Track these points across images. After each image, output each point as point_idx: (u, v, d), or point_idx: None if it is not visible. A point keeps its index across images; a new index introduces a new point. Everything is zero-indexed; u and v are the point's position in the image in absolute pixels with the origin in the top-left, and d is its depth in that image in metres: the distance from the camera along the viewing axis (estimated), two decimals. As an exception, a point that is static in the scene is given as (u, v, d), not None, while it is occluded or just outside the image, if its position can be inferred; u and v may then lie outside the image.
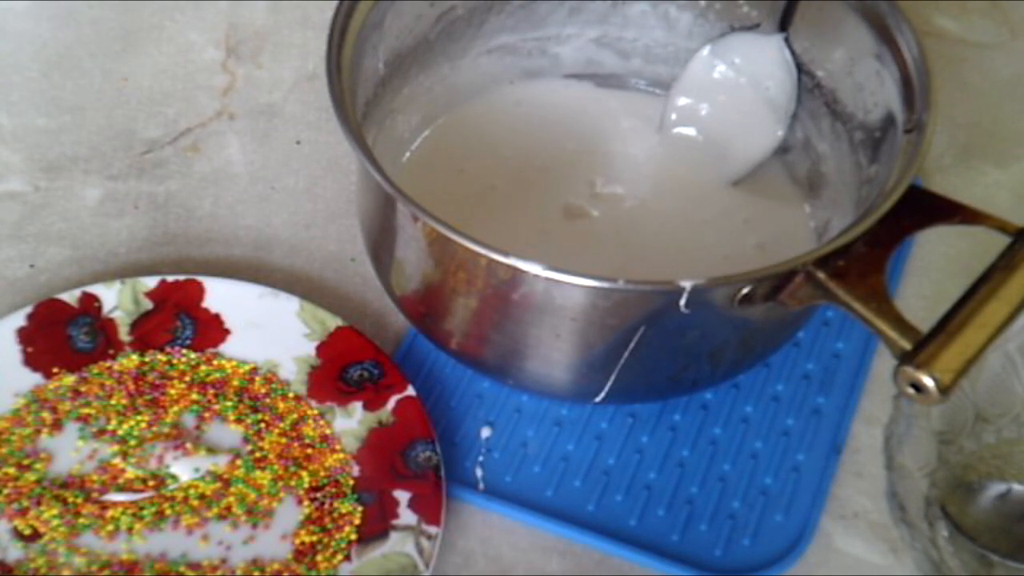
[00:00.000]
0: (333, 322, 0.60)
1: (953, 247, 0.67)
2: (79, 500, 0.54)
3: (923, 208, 0.51)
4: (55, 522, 0.53)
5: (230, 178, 0.69)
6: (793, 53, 0.63)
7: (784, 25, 0.62)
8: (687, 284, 0.46)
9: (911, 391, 0.45)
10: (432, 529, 0.53)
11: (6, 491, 0.54)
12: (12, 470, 0.55)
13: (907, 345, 0.46)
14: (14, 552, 0.53)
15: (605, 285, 0.47)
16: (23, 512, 0.53)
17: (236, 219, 0.67)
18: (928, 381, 0.44)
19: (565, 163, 0.66)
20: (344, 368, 0.59)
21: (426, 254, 0.52)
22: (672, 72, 0.67)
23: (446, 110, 0.67)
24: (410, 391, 0.57)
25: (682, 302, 0.47)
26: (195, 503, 0.54)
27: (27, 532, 0.53)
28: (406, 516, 0.53)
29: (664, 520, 0.56)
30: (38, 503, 0.54)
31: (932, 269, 0.66)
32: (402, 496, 0.54)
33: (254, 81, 0.74)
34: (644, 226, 0.64)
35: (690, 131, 0.67)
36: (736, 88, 0.65)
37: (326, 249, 0.66)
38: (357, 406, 0.58)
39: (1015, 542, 0.53)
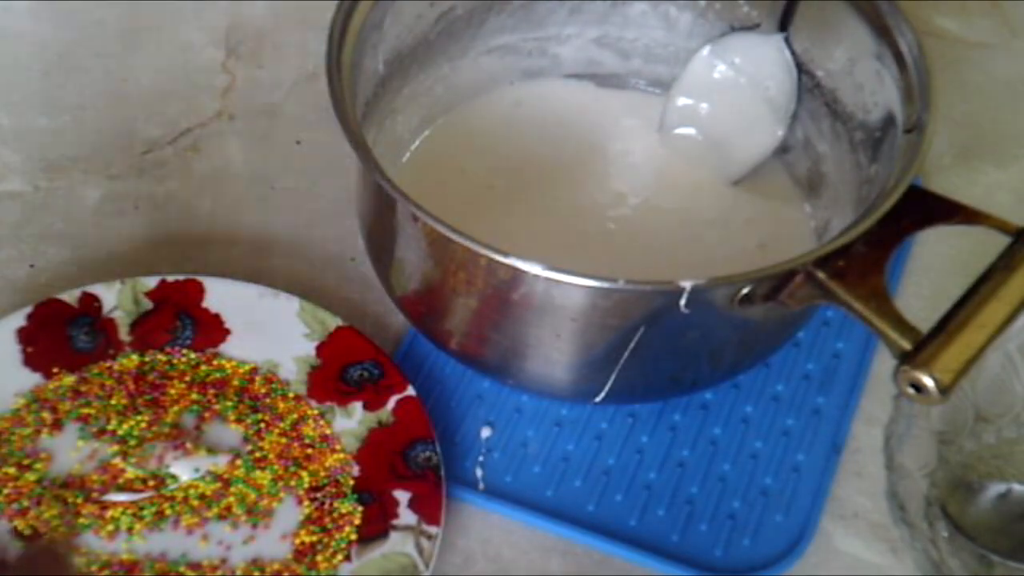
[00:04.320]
0: (333, 322, 0.60)
1: (953, 247, 0.67)
2: (79, 500, 0.54)
3: (923, 208, 0.51)
4: (55, 522, 0.53)
5: (230, 178, 0.69)
6: (793, 53, 0.63)
7: (784, 25, 0.62)
8: (687, 284, 0.46)
9: (911, 391, 0.45)
10: (432, 529, 0.53)
11: (6, 491, 0.54)
12: (12, 470, 0.55)
13: (907, 345, 0.46)
14: (14, 552, 0.52)
15: (605, 285, 0.47)
16: (23, 512, 0.53)
17: (236, 219, 0.67)
18: (928, 381, 0.44)
19: (565, 163, 0.66)
20: (344, 368, 0.59)
21: (426, 254, 0.52)
22: (672, 72, 0.67)
23: (446, 110, 0.67)
24: (410, 391, 0.57)
25: (682, 302, 0.47)
26: (195, 503, 0.54)
27: (27, 532, 0.53)
28: (406, 516, 0.53)
29: (664, 520, 0.56)
30: (38, 503, 0.54)
31: (932, 269, 0.66)
32: (402, 496, 0.54)
33: (254, 81, 0.74)
34: (644, 226, 0.64)
35: (690, 131, 0.67)
36: (736, 88, 0.65)
37: (326, 249, 0.66)
38: (357, 406, 0.58)
39: (1015, 542, 0.53)
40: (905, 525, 0.51)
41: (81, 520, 0.53)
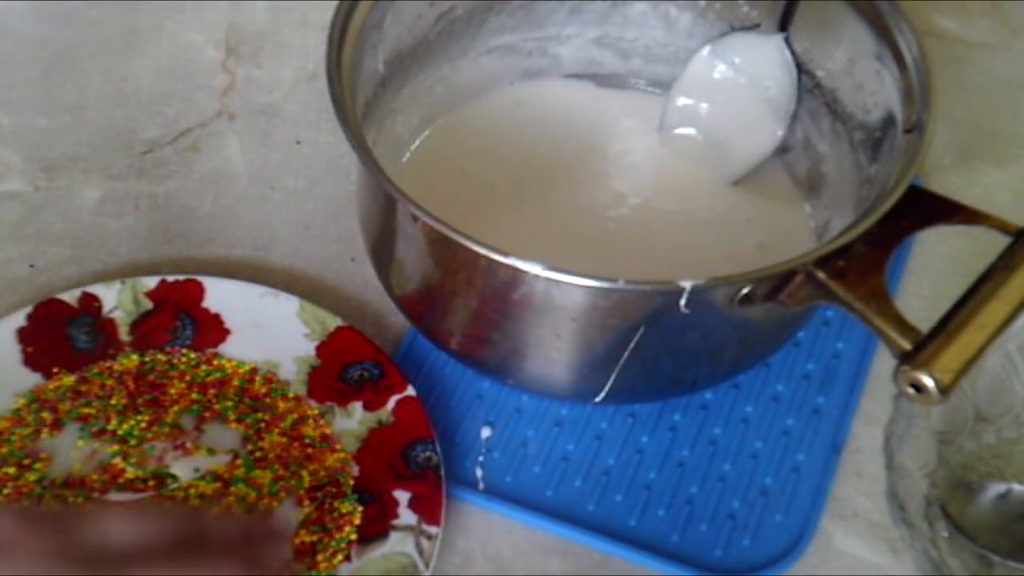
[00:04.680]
0: (333, 322, 0.60)
1: (953, 247, 0.67)
2: (79, 500, 0.54)
3: (923, 208, 0.51)
4: None
5: (230, 178, 0.69)
6: (793, 53, 0.63)
7: (784, 25, 0.62)
8: (687, 284, 0.46)
9: (911, 391, 0.45)
10: (432, 529, 0.53)
11: (6, 491, 0.54)
12: (12, 470, 0.55)
13: (907, 345, 0.46)
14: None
15: (605, 285, 0.47)
16: None
17: (236, 219, 0.67)
18: (928, 381, 0.44)
19: (565, 163, 0.66)
20: (344, 368, 0.59)
21: (426, 254, 0.52)
22: (672, 72, 0.67)
23: (446, 110, 0.67)
24: (410, 391, 0.57)
25: (682, 302, 0.47)
26: (195, 503, 0.54)
27: None
28: (406, 516, 0.53)
29: (664, 520, 0.56)
30: (38, 503, 0.54)
31: (932, 269, 0.66)
32: (402, 496, 0.54)
33: (254, 81, 0.74)
34: (644, 226, 0.64)
35: (690, 131, 0.67)
36: (736, 88, 0.65)
37: (326, 249, 0.66)
38: (357, 406, 0.58)
39: (1015, 542, 0.53)
40: (905, 525, 0.51)
41: None
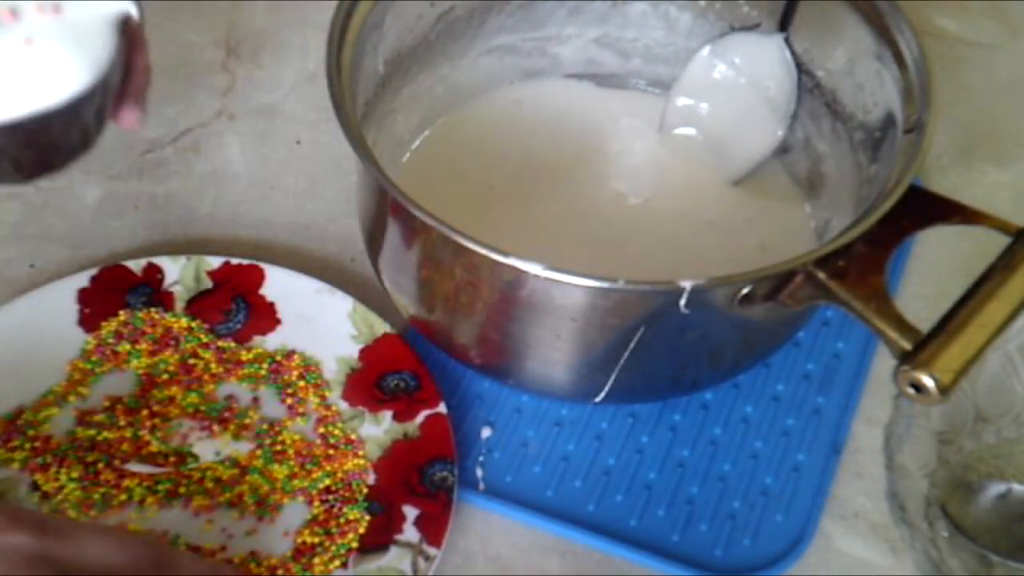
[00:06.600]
0: (381, 328, 0.60)
1: (953, 247, 0.67)
2: (100, 465, 0.55)
3: (923, 208, 0.51)
4: (71, 485, 0.54)
5: (230, 178, 0.69)
6: (793, 53, 0.63)
7: (784, 25, 0.62)
8: (687, 284, 0.46)
9: (911, 391, 0.45)
10: (432, 550, 0.52)
11: (36, 444, 0.55)
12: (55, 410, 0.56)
13: (907, 345, 0.46)
14: (28, 506, 0.53)
15: (605, 285, 0.47)
16: (45, 468, 0.54)
17: (236, 219, 0.67)
18: (928, 381, 0.44)
19: (565, 163, 0.66)
20: (382, 375, 0.59)
21: (426, 254, 0.52)
22: (672, 72, 0.67)
23: (446, 110, 0.67)
24: (441, 408, 0.57)
25: (682, 302, 0.47)
26: (209, 486, 0.55)
27: (47, 488, 0.54)
28: (410, 533, 0.53)
29: (664, 520, 0.56)
30: (61, 462, 0.54)
31: (932, 269, 0.66)
32: (410, 512, 0.54)
33: (254, 81, 0.74)
34: (644, 226, 0.64)
35: (690, 131, 0.67)
36: (736, 88, 0.65)
37: (326, 249, 0.66)
38: (387, 415, 0.57)
39: (1015, 542, 0.53)
40: (905, 525, 0.51)
41: (97, 486, 0.54)
